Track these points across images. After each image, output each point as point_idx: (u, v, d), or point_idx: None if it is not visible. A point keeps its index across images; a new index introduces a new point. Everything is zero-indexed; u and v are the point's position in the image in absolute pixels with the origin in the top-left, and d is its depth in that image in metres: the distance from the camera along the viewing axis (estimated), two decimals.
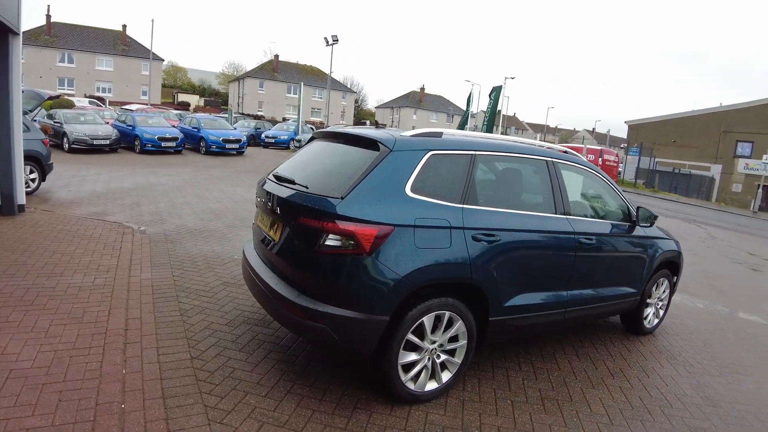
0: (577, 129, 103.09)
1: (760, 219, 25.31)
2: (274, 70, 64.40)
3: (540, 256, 3.70)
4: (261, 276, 3.24)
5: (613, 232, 4.37)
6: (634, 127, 43.97)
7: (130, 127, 16.75)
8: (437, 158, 3.18)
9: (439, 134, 3.39)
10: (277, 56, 66.07)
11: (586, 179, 4.35)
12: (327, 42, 33.42)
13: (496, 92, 21.05)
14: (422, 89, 77.26)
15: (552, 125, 75.12)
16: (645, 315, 5.04)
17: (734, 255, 11.29)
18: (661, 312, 5.34)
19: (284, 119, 44.84)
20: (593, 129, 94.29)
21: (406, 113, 73.62)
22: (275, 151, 22.71)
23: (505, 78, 46.02)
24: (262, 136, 23.97)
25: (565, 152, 4.28)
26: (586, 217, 4.19)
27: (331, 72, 41.36)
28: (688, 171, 35.69)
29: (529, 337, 4.39)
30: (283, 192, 3.18)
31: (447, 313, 3.08)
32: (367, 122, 60.82)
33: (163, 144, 16.47)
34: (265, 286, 3.15)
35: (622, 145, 52.06)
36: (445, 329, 3.14)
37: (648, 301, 4.99)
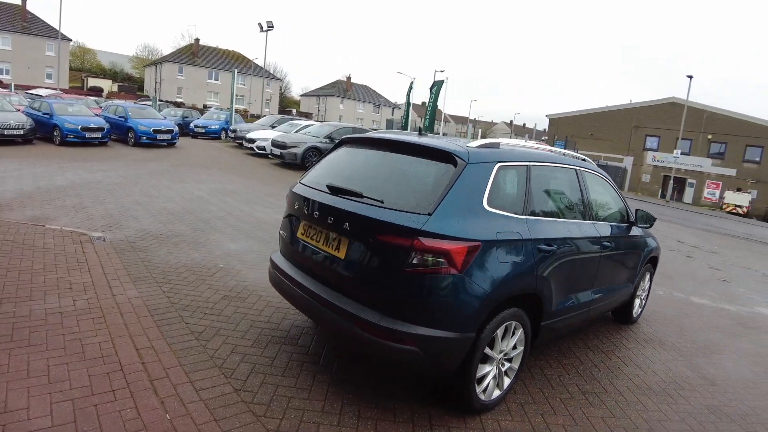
0: (495, 121, 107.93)
1: (672, 207, 28.21)
2: (194, 54, 60.49)
3: (579, 261, 3.85)
4: (321, 295, 3.01)
5: (621, 234, 4.64)
6: (555, 121, 46.93)
7: (47, 116, 14.77)
8: (504, 170, 3.20)
9: (498, 145, 3.41)
10: (197, 40, 62.06)
11: (598, 185, 4.50)
12: (261, 28, 32.04)
13: (437, 87, 21.36)
14: (349, 78, 76.64)
15: (471, 117, 77.66)
16: (633, 306, 5.42)
17: (667, 243, 12.38)
18: (644, 302, 5.76)
19: (205, 107, 42.34)
20: (511, 121, 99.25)
21: (333, 102, 72.75)
22: (206, 141, 21.27)
23: (435, 71, 47.00)
24: (191, 125, 22.30)
25: (584, 160, 4.49)
26: (604, 221, 4.40)
27: (265, 60, 39.94)
28: (605, 162, 38.75)
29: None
30: (349, 206, 2.96)
31: (513, 323, 3.14)
32: (294, 110, 59.33)
33: (87, 135, 14.71)
34: (329, 307, 2.94)
35: (543, 138, 55.27)
36: (510, 338, 3.20)
37: (636, 293, 5.34)
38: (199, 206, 8.21)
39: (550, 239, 3.32)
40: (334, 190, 3.15)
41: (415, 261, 2.62)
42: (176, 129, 16.98)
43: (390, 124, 51.01)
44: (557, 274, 3.42)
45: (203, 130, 22.14)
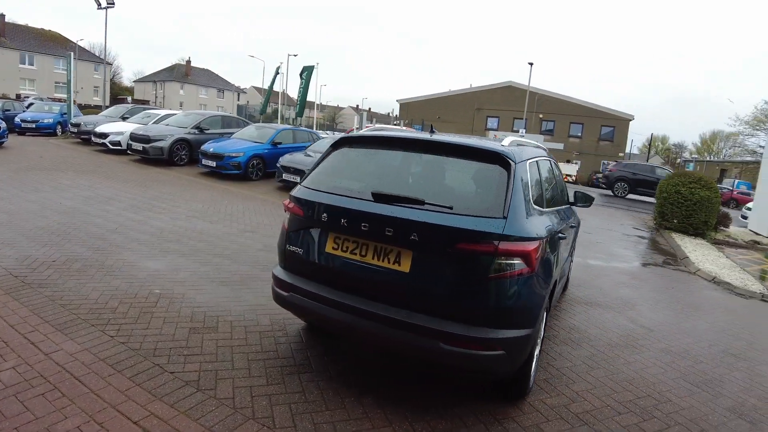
0: (341, 106, 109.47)
1: None
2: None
3: (566, 242, 4.21)
4: (381, 314, 2.71)
5: (572, 213, 5.13)
6: (405, 105, 49.39)
7: None
8: (531, 167, 3.31)
9: (518, 143, 3.61)
10: (3, 16, 50.53)
11: (557, 170, 4.80)
12: (99, 5, 27.42)
13: (307, 72, 20.69)
14: (188, 62, 70.28)
15: (319, 102, 77.61)
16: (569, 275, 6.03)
17: None
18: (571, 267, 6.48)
19: (19, 97, 34.93)
20: (357, 106, 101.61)
21: (172, 88, 66.22)
22: (40, 138, 17.31)
23: (288, 55, 45.50)
24: (17, 119, 17.94)
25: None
26: (568, 204, 4.84)
27: (105, 42, 34.04)
28: None
29: None
30: (414, 215, 2.70)
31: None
32: (129, 98, 52.33)
33: None
34: (397, 326, 2.67)
35: (395, 122, 57.57)
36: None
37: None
38: (80, 219, 6.66)
39: (562, 229, 3.68)
40: (382, 198, 2.83)
41: (498, 266, 2.61)
42: (4, 125, 13.50)
43: (241, 110, 48.20)
44: (561, 257, 3.72)
45: (33, 125, 17.94)
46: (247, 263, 5.58)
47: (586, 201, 5.38)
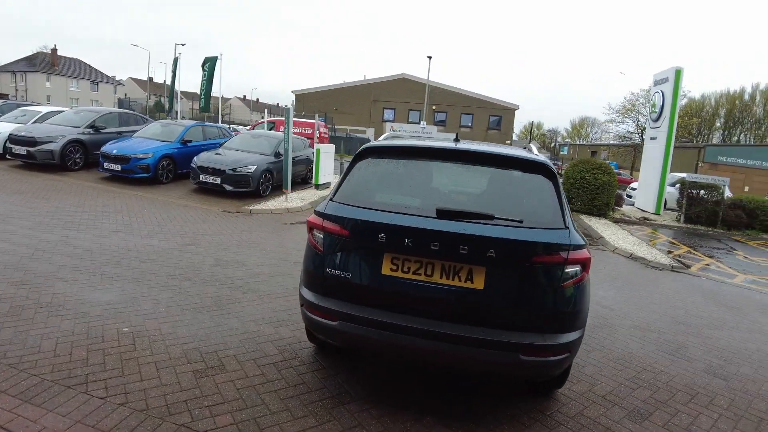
0: (226, 96, 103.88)
1: None
2: None
3: None
4: (456, 334, 2.61)
5: None
6: (301, 96, 48.17)
7: None
8: None
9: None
10: None
11: None
12: None
13: (210, 63, 19.05)
14: (54, 50, 61.29)
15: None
16: None
17: None
18: None
19: None
20: (244, 96, 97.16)
21: (36, 80, 57.47)
22: None
23: (176, 44, 41.62)
24: None
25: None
26: None
27: None
28: (350, 135, 42.09)
29: None
30: (489, 231, 2.65)
31: None
32: None
33: None
34: (475, 344, 2.60)
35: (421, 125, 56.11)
36: None
37: None
38: None
39: None
40: (448, 214, 2.70)
41: (566, 275, 2.69)
42: None
43: (122, 105, 43.27)
44: None
45: None
46: (211, 283, 4.94)
47: None
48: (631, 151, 40.77)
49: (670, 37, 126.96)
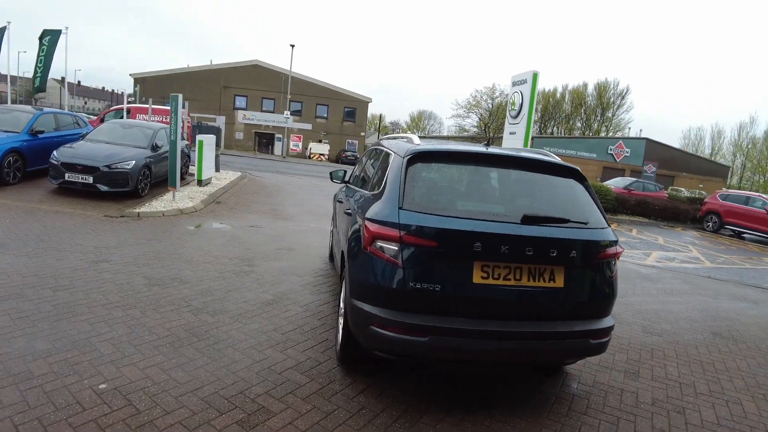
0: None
1: (272, 160, 31.60)
2: None
3: None
4: (536, 331, 2.78)
5: None
6: (141, 80, 42.40)
7: None
8: None
9: None
10: None
11: None
12: None
13: (51, 37, 15.27)
14: None
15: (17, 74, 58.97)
16: None
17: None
18: None
19: None
20: (63, 78, 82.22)
21: None
22: None
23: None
24: None
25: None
26: None
27: None
28: (201, 123, 38.62)
29: None
30: (570, 234, 2.88)
31: None
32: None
33: None
34: (552, 338, 2.81)
35: (130, 99, 48.84)
36: None
37: None
38: None
39: None
40: (532, 220, 2.82)
41: (614, 266, 3.07)
42: None
43: None
44: None
45: None
46: (163, 308, 4.06)
47: (338, 178, 5.52)
48: (476, 143, 45.30)
49: (494, 38, 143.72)
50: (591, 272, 2.97)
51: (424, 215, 2.74)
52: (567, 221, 2.91)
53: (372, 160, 4.37)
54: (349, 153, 40.41)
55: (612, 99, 60.84)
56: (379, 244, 2.75)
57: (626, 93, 60.42)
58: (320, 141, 42.59)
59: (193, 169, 11.87)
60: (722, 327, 5.42)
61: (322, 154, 40.72)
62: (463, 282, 2.69)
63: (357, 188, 4.26)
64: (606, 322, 3.01)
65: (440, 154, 3.17)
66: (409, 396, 3.06)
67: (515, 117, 17.76)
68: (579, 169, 3.27)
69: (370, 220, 2.85)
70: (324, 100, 43.78)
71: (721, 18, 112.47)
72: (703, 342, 4.82)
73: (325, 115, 44.25)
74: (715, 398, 3.60)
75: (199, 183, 11.40)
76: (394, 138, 4.18)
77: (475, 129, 43.66)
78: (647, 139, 40.16)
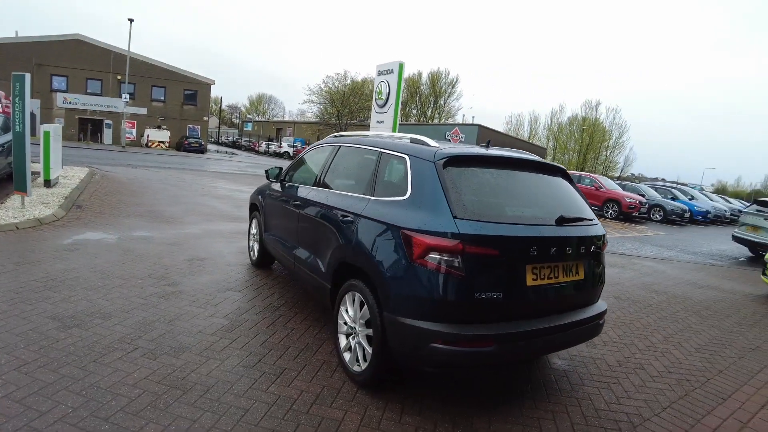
0: None
1: (98, 149, 27.18)
2: None
3: None
4: (569, 321, 2.95)
5: None
6: None
7: None
8: None
9: None
10: None
11: None
12: None
13: None
14: None
15: None
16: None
17: (197, 191, 13.07)
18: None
19: None
20: None
21: None
22: None
23: None
24: None
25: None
26: None
27: None
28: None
29: None
30: (588, 231, 3.10)
31: None
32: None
33: None
34: (580, 324, 3.02)
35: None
36: None
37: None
38: None
39: None
40: (565, 221, 2.97)
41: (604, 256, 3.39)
42: None
43: None
44: None
45: None
46: (105, 358, 3.12)
47: (275, 177, 5.19)
48: (328, 129, 44.85)
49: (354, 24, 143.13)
50: (597, 263, 3.23)
51: (482, 224, 2.62)
52: (585, 219, 3.13)
53: (348, 161, 3.94)
54: (192, 140, 36.57)
55: (444, 87, 66.31)
56: (435, 256, 2.53)
57: (456, 82, 66.40)
58: (159, 127, 37.70)
59: (36, 167, 9.40)
60: (616, 291, 6.39)
61: (162, 142, 36.21)
62: (519, 286, 2.70)
63: (335, 191, 3.76)
64: (603, 304, 3.35)
65: (471, 158, 3.00)
66: (452, 405, 2.90)
67: (382, 106, 18.19)
68: (563, 167, 3.46)
69: (422, 231, 2.59)
70: (161, 81, 38.62)
71: (539, 17, 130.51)
72: (613, 306, 5.59)
73: (163, 98, 39.17)
74: (652, 352, 4.23)
75: (47, 183, 9.11)
76: (373, 137, 3.83)
77: (328, 115, 43.28)
78: (479, 125, 45.00)
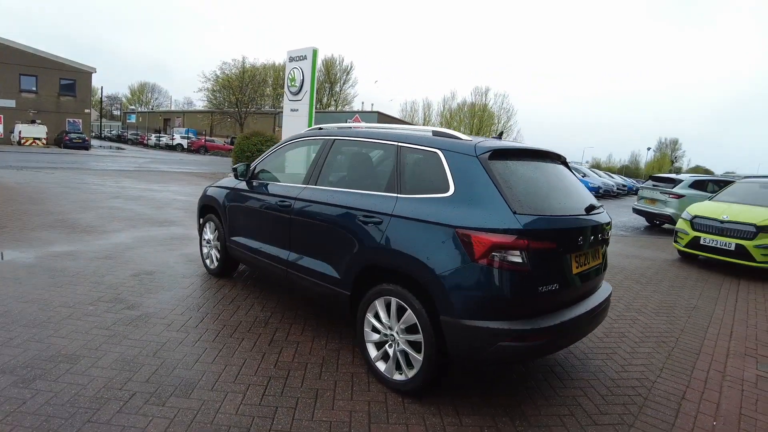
0: None
1: (4, 151, 22.70)
2: None
3: None
4: (600, 303, 3.06)
5: None
6: None
7: None
8: None
9: None
10: None
11: None
12: None
13: None
14: None
15: None
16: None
17: (83, 188, 11.60)
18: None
19: None
20: None
21: None
22: None
23: None
24: None
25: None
26: None
27: None
28: None
29: None
30: (603, 218, 3.18)
31: None
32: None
33: None
34: (606, 303, 3.18)
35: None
36: None
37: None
38: None
39: None
40: (591, 209, 3.06)
41: None
42: None
43: None
44: None
45: None
46: (99, 419, 2.51)
47: (242, 174, 4.61)
48: (225, 119, 41.81)
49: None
50: (606, 247, 3.35)
51: (540, 218, 2.59)
52: (599, 207, 3.27)
53: (352, 156, 3.61)
54: (74, 135, 31.79)
55: (338, 74, 65.27)
56: (499, 253, 2.41)
57: (351, 69, 65.67)
58: (33, 122, 32.23)
59: None
60: None
61: (39, 139, 31.11)
62: (568, 275, 2.76)
63: (342, 189, 3.36)
64: (609, 285, 3.51)
65: (509, 152, 2.89)
66: (496, 398, 2.81)
67: (296, 93, 17.41)
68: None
69: (483, 229, 2.44)
70: (31, 69, 32.78)
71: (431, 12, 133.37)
72: None
73: (35, 89, 33.45)
74: (624, 320, 4.58)
75: None
76: (380, 129, 3.51)
77: (228, 103, 40.05)
78: (378, 113, 45.35)
